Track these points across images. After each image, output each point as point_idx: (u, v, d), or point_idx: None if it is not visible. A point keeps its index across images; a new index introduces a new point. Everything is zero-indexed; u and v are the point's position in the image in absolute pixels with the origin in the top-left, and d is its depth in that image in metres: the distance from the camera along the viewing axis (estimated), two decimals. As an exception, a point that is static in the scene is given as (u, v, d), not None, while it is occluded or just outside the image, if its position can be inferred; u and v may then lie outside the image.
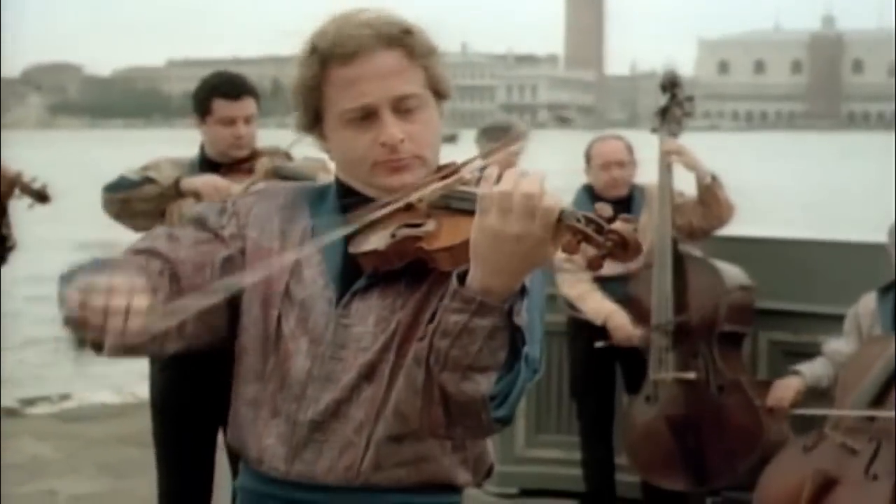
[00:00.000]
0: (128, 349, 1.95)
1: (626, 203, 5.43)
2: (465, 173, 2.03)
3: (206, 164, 4.40)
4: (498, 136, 5.63)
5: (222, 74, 4.46)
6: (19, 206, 4.28)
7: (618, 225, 1.85)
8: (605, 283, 5.42)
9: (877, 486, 4.37)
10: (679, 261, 5.36)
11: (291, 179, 4.23)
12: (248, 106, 4.33)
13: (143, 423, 7.50)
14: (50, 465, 6.60)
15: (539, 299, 2.00)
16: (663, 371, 5.30)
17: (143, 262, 2.08)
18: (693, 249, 5.46)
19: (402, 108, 2.08)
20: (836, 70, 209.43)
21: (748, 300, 5.45)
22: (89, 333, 1.91)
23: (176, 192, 4.26)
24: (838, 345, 4.81)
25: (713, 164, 5.43)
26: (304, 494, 2.08)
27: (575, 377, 5.76)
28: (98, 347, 1.94)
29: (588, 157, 5.61)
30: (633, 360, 5.43)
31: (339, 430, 2.05)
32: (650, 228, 5.32)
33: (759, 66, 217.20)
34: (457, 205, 2.00)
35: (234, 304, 2.12)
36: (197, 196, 4.21)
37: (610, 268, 5.02)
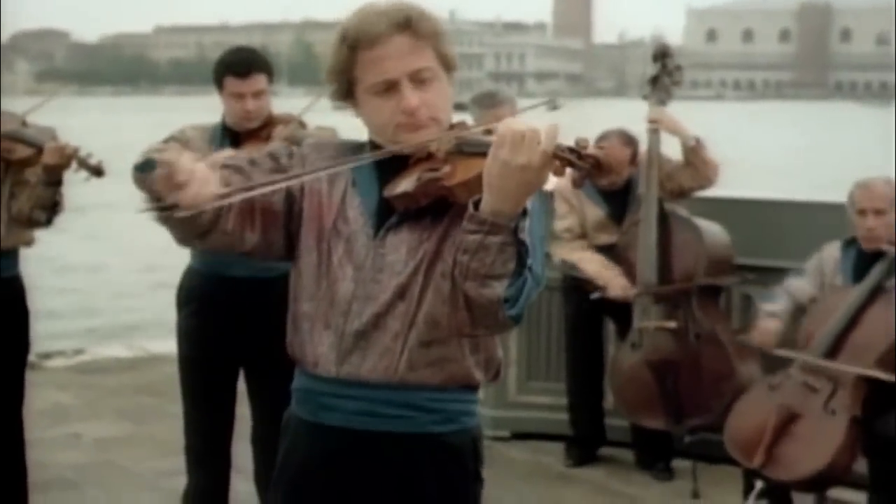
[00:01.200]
0: (194, 219, 2.42)
1: (626, 184, 5.90)
2: (471, 128, 2.49)
3: (227, 131, 4.81)
4: (487, 104, 6.08)
5: (237, 52, 4.84)
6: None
7: (592, 150, 2.32)
8: (598, 251, 5.90)
9: (834, 420, 4.83)
10: (664, 219, 5.82)
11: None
12: (256, 82, 4.69)
13: (155, 375, 7.98)
14: (72, 411, 7.00)
15: (539, 227, 2.44)
16: (647, 320, 5.77)
17: (227, 173, 2.54)
18: (678, 208, 5.92)
19: (417, 79, 2.52)
20: (825, 39, 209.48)
21: (726, 256, 5.91)
22: (168, 194, 2.34)
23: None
24: (799, 283, 5.26)
25: (701, 132, 5.87)
26: (351, 391, 2.53)
27: (568, 329, 6.23)
28: (162, 207, 2.39)
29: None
30: (621, 312, 5.90)
31: (379, 338, 2.50)
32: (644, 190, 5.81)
33: (748, 35, 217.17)
34: (468, 149, 2.45)
35: (291, 233, 2.58)
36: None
37: (603, 239, 5.46)
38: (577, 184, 2.34)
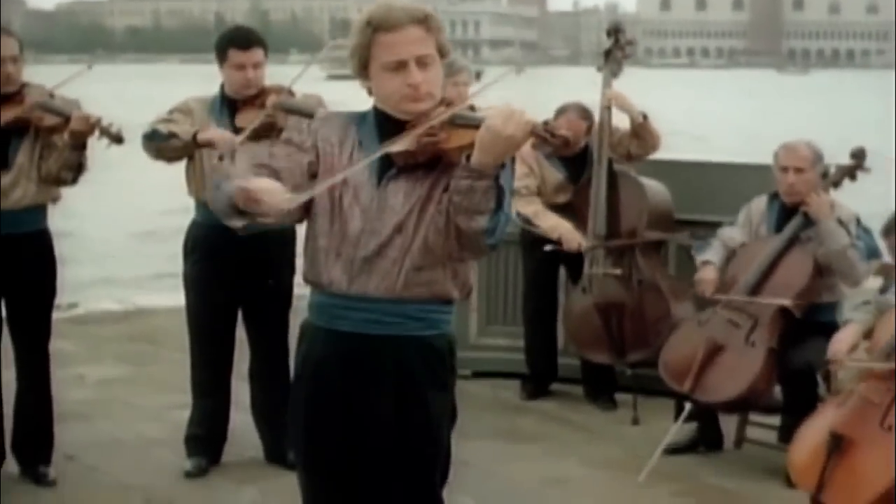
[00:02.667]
0: (271, 218, 3.11)
1: (583, 151, 6.62)
2: (460, 107, 3.22)
3: (225, 100, 5.51)
4: (445, 73, 6.78)
5: (238, 28, 5.58)
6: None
7: (563, 132, 3.07)
8: (554, 208, 6.63)
9: (754, 352, 5.61)
10: (613, 179, 6.56)
11: (295, 112, 5.36)
12: (256, 55, 5.43)
13: (147, 326, 8.66)
14: (73, 356, 7.59)
15: (509, 179, 3.16)
16: (596, 268, 6.52)
17: (259, 172, 3.25)
18: (626, 169, 6.66)
19: (422, 62, 3.23)
20: (777, 7, 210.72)
21: (668, 211, 6.66)
22: (254, 209, 3.08)
23: (195, 143, 5.38)
24: (732, 232, 6.00)
25: (654, 99, 6.60)
26: (358, 304, 3.24)
27: (526, 278, 6.96)
28: (254, 218, 3.11)
29: (555, 119, 6.67)
30: (573, 261, 6.63)
31: (381, 263, 3.22)
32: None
33: (701, 3, 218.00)
34: (459, 121, 3.18)
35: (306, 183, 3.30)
36: (211, 145, 5.33)
37: (561, 199, 6.14)
38: (550, 155, 3.15)
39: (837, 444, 4.60)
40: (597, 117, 6.61)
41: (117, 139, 5.25)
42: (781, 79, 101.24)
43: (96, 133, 5.22)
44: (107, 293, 9.95)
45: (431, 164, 3.22)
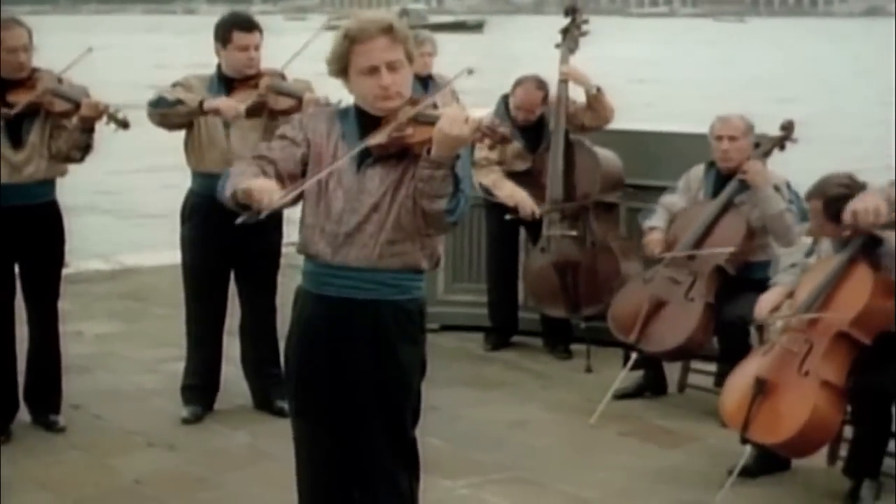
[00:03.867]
0: (266, 211, 3.66)
1: (539, 121, 7.22)
2: (422, 105, 3.79)
3: (223, 79, 6.07)
4: None
5: (238, 13, 6.12)
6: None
7: (501, 129, 3.64)
8: (512, 176, 7.22)
9: (693, 306, 6.23)
10: (569, 147, 7.15)
11: (285, 93, 5.95)
12: (257, 37, 6.01)
13: (135, 284, 9.22)
14: (70, 314, 7.96)
15: (466, 166, 3.74)
16: (554, 229, 7.12)
17: (259, 163, 3.82)
18: (581, 138, 7.24)
19: (391, 67, 3.78)
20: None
21: (618, 177, 7.26)
22: (253, 205, 3.62)
23: (200, 110, 5.94)
24: (672, 198, 6.60)
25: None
26: (341, 273, 3.81)
27: (489, 240, 7.55)
28: (253, 213, 3.64)
29: (512, 91, 7.26)
30: (533, 223, 7.22)
31: (360, 238, 3.79)
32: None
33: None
34: (422, 119, 3.74)
35: (303, 175, 3.86)
36: (217, 112, 5.89)
37: (520, 166, 6.72)
38: (492, 148, 3.71)
39: (761, 388, 5.24)
40: (554, 90, 7.19)
41: (124, 125, 5.79)
42: (743, 27, 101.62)
43: (104, 118, 5.77)
44: (95, 252, 10.43)
45: (401, 154, 3.79)
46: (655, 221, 6.56)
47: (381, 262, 3.82)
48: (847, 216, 4.59)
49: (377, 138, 3.78)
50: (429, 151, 3.66)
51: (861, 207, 4.51)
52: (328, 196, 3.84)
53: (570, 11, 7.34)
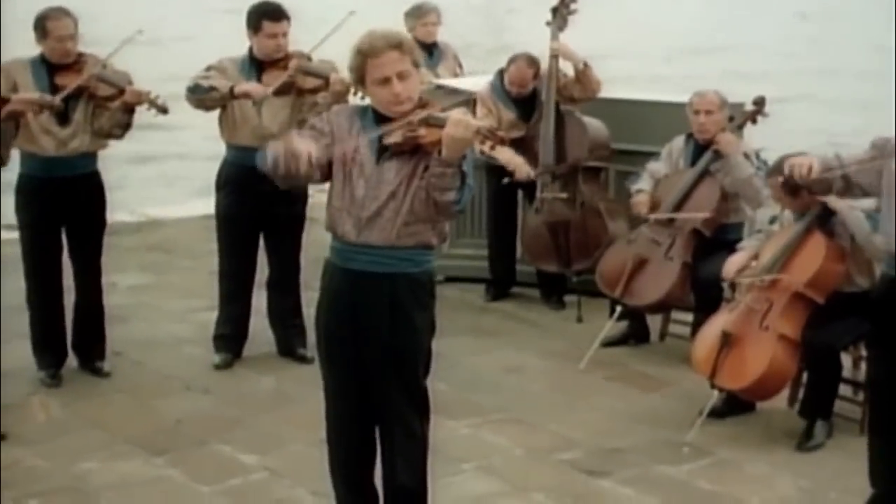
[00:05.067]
0: (300, 177, 4.34)
1: (532, 94, 7.88)
2: (431, 109, 4.44)
3: (254, 62, 6.73)
4: (417, 15, 8.51)
5: (269, 3, 6.74)
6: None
7: (500, 133, 4.32)
8: (511, 143, 7.88)
9: (672, 264, 6.93)
10: (560, 117, 7.81)
11: (312, 74, 6.62)
12: (284, 25, 6.65)
13: (160, 237, 9.91)
14: (103, 266, 8.67)
15: (471, 161, 4.38)
16: (547, 192, 7.79)
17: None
18: (571, 109, 7.90)
19: (401, 76, 4.42)
20: None
21: (605, 144, 7.92)
22: (289, 167, 4.27)
23: (231, 95, 6.61)
24: (657, 165, 7.25)
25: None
26: (364, 250, 4.47)
27: (490, 199, 8.22)
28: (287, 177, 4.32)
29: (507, 66, 7.91)
30: (529, 186, 7.90)
31: (380, 221, 4.45)
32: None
33: None
34: (432, 121, 4.38)
35: (330, 164, 4.53)
36: (248, 96, 6.56)
37: (514, 134, 7.43)
38: (490, 148, 4.33)
39: (727, 341, 5.95)
40: (545, 66, 7.85)
41: (163, 110, 6.48)
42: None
43: (146, 104, 6.45)
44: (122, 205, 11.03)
45: (414, 150, 4.45)
46: (642, 185, 7.22)
47: (399, 241, 4.49)
48: (785, 168, 5.21)
49: (393, 137, 4.43)
50: (439, 151, 4.31)
51: (797, 162, 5.11)
52: (352, 184, 4.51)
53: None
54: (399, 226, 4.48)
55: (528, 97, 7.88)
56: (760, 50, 24.60)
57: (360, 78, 4.51)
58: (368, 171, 4.50)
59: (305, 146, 4.34)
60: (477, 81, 8.37)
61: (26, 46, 6.61)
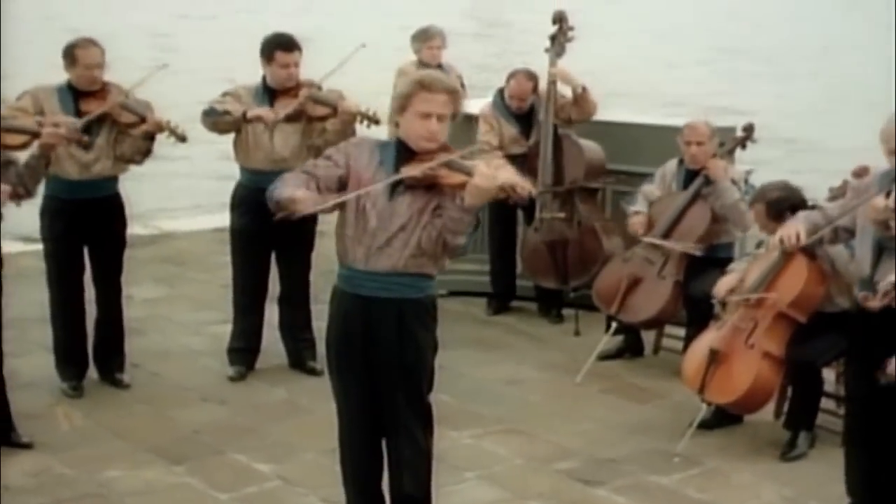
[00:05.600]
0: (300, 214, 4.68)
1: (530, 108, 8.25)
2: (455, 155, 4.76)
3: (267, 89, 7.09)
4: (423, 38, 8.80)
5: (281, 35, 7.09)
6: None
7: (520, 190, 4.66)
8: (511, 158, 8.23)
9: (664, 283, 7.28)
10: (557, 139, 8.18)
11: (322, 103, 6.97)
12: (296, 56, 7.02)
13: (172, 249, 10.27)
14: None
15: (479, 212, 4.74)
16: (546, 212, 8.15)
17: (306, 177, 4.80)
18: (568, 132, 8.26)
19: (440, 118, 4.76)
20: None
21: (600, 165, 8.28)
22: (292, 209, 4.64)
23: (244, 119, 6.97)
24: (650, 188, 7.60)
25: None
26: (372, 277, 4.81)
27: (491, 217, 8.54)
28: (289, 214, 4.67)
29: (507, 82, 8.30)
30: (528, 206, 8.23)
31: (388, 251, 4.78)
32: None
33: None
34: (455, 166, 4.72)
35: (337, 188, 4.82)
36: (260, 120, 6.92)
37: (515, 149, 7.82)
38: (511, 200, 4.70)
39: (714, 357, 6.29)
40: (542, 83, 8.20)
41: (182, 138, 6.86)
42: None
43: (165, 132, 6.81)
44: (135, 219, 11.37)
45: (429, 187, 4.79)
46: (638, 206, 7.57)
47: (404, 270, 4.83)
48: (775, 240, 5.60)
49: (413, 171, 4.74)
50: (457, 196, 4.67)
51: (785, 234, 5.53)
52: (365, 215, 4.84)
53: (558, 20, 8.33)
54: (406, 257, 4.82)
55: (526, 113, 8.24)
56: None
57: (403, 105, 4.82)
58: (381, 204, 4.83)
59: (306, 196, 4.69)
60: (479, 104, 8.73)
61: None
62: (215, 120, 6.99)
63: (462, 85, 10.00)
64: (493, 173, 4.64)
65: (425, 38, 9.86)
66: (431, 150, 4.80)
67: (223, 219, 10.33)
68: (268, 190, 4.84)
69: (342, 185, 4.89)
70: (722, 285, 6.55)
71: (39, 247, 8.19)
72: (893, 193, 5.18)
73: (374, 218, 4.84)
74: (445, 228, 4.73)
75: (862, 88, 21.15)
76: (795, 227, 5.50)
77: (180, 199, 11.66)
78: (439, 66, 9.82)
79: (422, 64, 9.85)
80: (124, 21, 27.54)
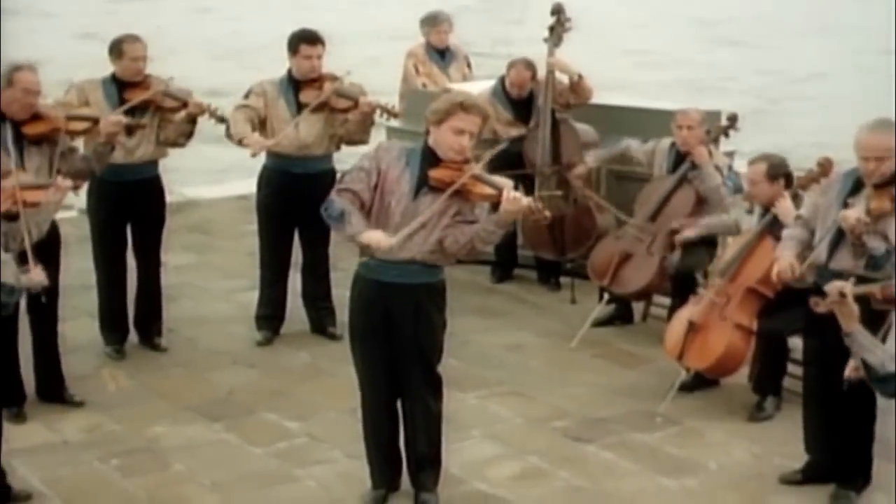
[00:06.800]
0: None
1: (529, 96, 8.95)
2: (479, 166, 5.50)
3: (292, 81, 7.80)
4: (432, 23, 9.54)
5: (305, 29, 7.81)
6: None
7: (544, 212, 5.44)
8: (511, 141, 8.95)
9: (652, 259, 8.01)
10: (555, 124, 8.89)
11: (345, 96, 7.69)
12: (319, 49, 7.73)
13: (198, 217, 10.99)
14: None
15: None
16: (544, 190, 8.84)
17: (351, 197, 5.49)
18: (565, 116, 8.96)
19: (471, 136, 5.46)
20: None
21: (595, 146, 8.97)
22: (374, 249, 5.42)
23: (239, 143, 7.65)
24: (637, 144, 8.37)
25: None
26: (393, 265, 5.52)
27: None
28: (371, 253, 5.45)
29: (507, 71, 9.01)
30: (528, 184, 8.98)
31: (409, 245, 5.48)
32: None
33: None
34: (481, 178, 5.44)
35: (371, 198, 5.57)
36: (258, 145, 7.56)
37: (513, 133, 8.57)
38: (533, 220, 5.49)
39: (692, 328, 7.05)
40: (541, 72, 8.89)
41: (221, 120, 7.60)
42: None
43: (206, 114, 7.54)
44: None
45: (455, 195, 5.46)
46: (591, 156, 8.67)
47: (421, 259, 5.57)
48: (774, 276, 6.26)
49: (440, 175, 5.46)
50: (476, 204, 5.48)
51: (780, 269, 6.17)
52: (390, 211, 5.55)
53: (556, 11, 9.00)
54: (425, 252, 5.56)
55: (525, 100, 8.96)
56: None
57: (441, 119, 5.49)
58: (405, 202, 5.54)
59: (379, 237, 5.45)
60: (483, 86, 9.42)
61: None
62: (226, 131, 7.71)
63: (468, 65, 10.77)
64: (519, 198, 5.39)
65: (434, 23, 10.60)
66: (458, 161, 5.52)
67: (242, 186, 11.18)
68: (326, 211, 5.58)
69: (376, 190, 5.57)
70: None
71: (75, 214, 8.99)
72: (863, 206, 5.80)
73: (399, 214, 5.54)
74: (478, 237, 5.47)
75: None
76: (788, 261, 6.14)
77: (200, 165, 12.28)
78: (447, 49, 10.58)
79: (430, 46, 10.59)
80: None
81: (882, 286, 4.97)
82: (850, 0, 30.91)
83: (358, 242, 5.52)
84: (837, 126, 6.10)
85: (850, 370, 5.20)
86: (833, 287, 4.93)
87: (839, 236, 5.96)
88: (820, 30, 29.64)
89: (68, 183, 6.27)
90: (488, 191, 5.44)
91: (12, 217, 5.92)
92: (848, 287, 4.90)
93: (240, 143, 7.65)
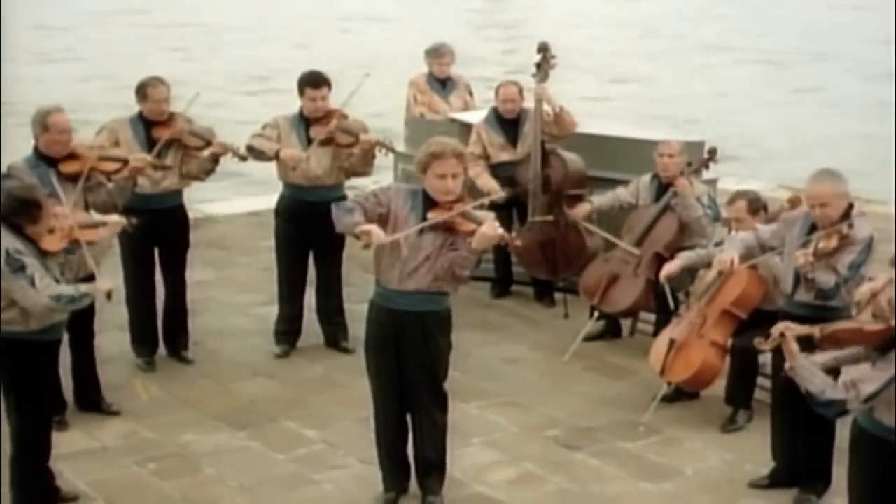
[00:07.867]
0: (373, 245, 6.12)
1: (517, 119, 9.65)
2: (469, 206, 6.22)
3: (303, 118, 8.53)
4: (435, 55, 10.36)
5: (312, 73, 8.55)
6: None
7: (517, 242, 6.39)
8: (497, 166, 9.63)
9: (638, 280, 8.71)
10: (545, 154, 9.57)
11: (347, 130, 8.41)
12: (324, 91, 8.46)
13: (215, 233, 11.66)
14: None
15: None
16: (536, 215, 9.53)
17: (359, 206, 6.20)
18: (554, 146, 9.64)
19: (454, 176, 6.16)
20: None
21: (582, 175, 9.64)
22: (364, 238, 6.04)
23: (277, 158, 8.44)
24: (623, 191, 9.04)
25: None
26: (402, 295, 6.25)
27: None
28: (364, 243, 6.10)
29: (496, 94, 9.74)
30: (522, 209, 9.67)
31: (416, 276, 6.21)
32: (531, 134, 9.55)
33: None
34: (468, 216, 6.15)
35: (378, 219, 6.22)
36: (293, 159, 8.36)
37: (504, 156, 9.37)
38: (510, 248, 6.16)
39: (672, 346, 7.75)
40: (531, 105, 9.55)
41: (243, 158, 8.34)
42: None
43: (230, 154, 8.26)
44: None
45: (448, 230, 6.19)
46: (594, 197, 9.21)
47: (427, 289, 6.28)
48: (715, 265, 7.01)
49: (436, 217, 6.17)
50: (467, 239, 6.11)
51: (721, 260, 6.91)
52: (399, 246, 6.26)
53: (542, 49, 9.65)
54: (429, 281, 6.27)
55: (514, 122, 9.65)
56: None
57: (423, 168, 6.23)
58: (412, 239, 6.24)
59: (374, 230, 6.10)
60: (481, 114, 10.09)
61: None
62: (257, 157, 8.48)
63: (470, 93, 11.48)
64: (495, 228, 6.07)
65: (437, 54, 11.31)
66: (451, 199, 6.23)
67: (255, 202, 11.85)
68: (334, 215, 6.29)
69: (380, 220, 6.26)
70: (669, 267, 7.75)
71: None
72: (812, 247, 6.54)
73: (406, 249, 6.26)
74: (455, 263, 6.17)
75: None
76: (730, 254, 6.91)
77: (212, 182, 13.18)
78: (448, 79, 11.30)
79: (432, 76, 11.30)
80: None
81: (821, 327, 5.41)
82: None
83: (357, 233, 6.11)
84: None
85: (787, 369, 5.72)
86: (775, 329, 5.56)
87: (798, 274, 6.69)
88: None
89: (122, 220, 6.93)
90: (472, 227, 6.14)
91: (68, 251, 6.60)
92: (788, 328, 5.52)
93: (275, 156, 8.40)
